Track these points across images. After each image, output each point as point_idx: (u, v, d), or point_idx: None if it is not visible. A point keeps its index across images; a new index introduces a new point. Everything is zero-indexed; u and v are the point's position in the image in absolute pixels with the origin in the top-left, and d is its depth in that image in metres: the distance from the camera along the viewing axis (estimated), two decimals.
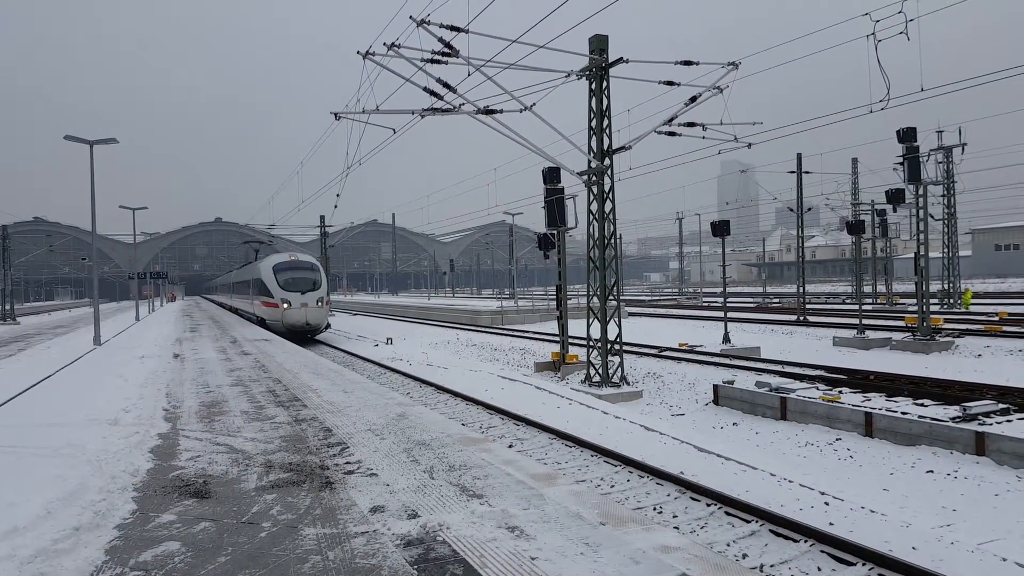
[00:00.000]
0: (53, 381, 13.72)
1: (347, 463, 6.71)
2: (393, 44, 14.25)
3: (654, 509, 7.97)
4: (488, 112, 15.88)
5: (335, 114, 15.78)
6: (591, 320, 17.43)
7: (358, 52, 14.73)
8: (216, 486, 6.06)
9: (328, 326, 32.08)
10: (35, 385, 13.10)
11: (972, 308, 36.38)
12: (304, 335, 29.96)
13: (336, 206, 24.39)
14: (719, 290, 65.23)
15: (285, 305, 29.10)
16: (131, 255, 62.43)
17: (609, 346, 16.75)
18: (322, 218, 53.31)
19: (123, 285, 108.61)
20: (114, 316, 50.68)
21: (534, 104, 15.93)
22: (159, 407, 10.22)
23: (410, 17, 14.00)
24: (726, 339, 23.18)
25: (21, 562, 4.48)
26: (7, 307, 49.48)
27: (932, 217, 30.85)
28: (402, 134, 17.09)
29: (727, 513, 7.65)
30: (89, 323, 36.44)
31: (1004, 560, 6.25)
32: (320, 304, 29.79)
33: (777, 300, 53.14)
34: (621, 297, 18.15)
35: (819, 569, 6.30)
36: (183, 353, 18.52)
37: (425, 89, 15.30)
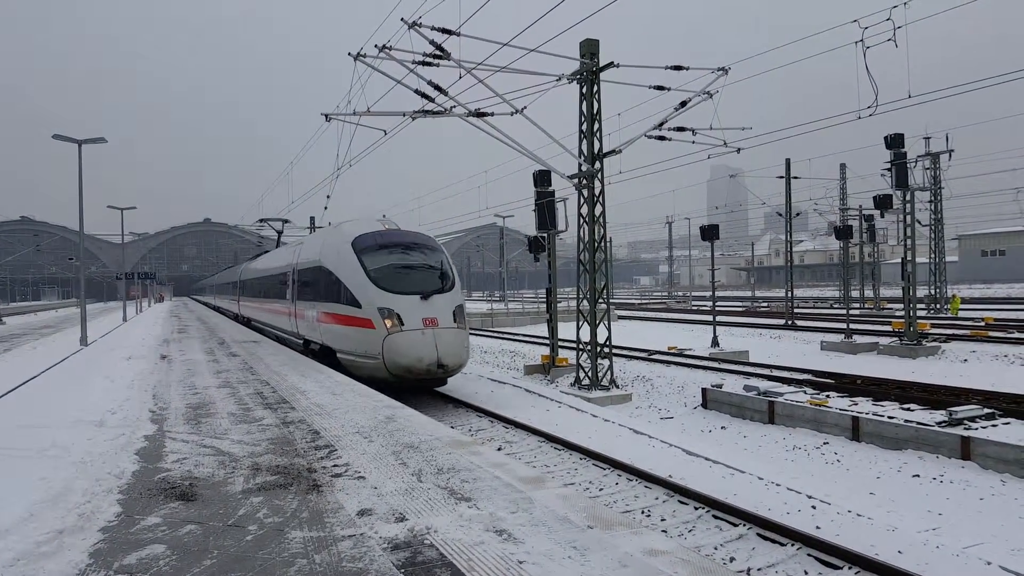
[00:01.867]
0: (39, 382, 13.58)
1: (335, 466, 6.68)
2: (384, 46, 14.22)
3: (642, 512, 7.99)
4: (479, 115, 15.88)
5: (326, 115, 15.73)
6: (581, 323, 17.45)
7: (349, 54, 14.70)
8: (202, 488, 6.02)
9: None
10: (20, 386, 12.96)
11: (959, 313, 36.68)
12: (425, 385, 14.73)
13: (326, 207, 24.22)
14: (708, 294, 65.39)
15: (389, 323, 13.65)
16: (119, 255, 61.97)
17: (599, 349, 16.77)
18: (312, 219, 53.11)
19: (111, 285, 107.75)
20: (101, 317, 50.28)
21: (525, 107, 15.95)
22: (146, 408, 10.14)
23: (401, 19, 13.99)
24: (715, 343, 23.29)
25: (3, 565, 4.43)
26: None
27: (919, 223, 31.09)
28: (393, 136, 17.06)
29: (715, 516, 7.67)
30: (75, 323, 36.13)
31: (989, 564, 6.30)
32: (457, 321, 14.26)
33: (766, 304, 53.38)
34: (611, 300, 18.11)
35: (806, 573, 6.33)
36: (171, 354, 18.38)
37: (416, 91, 15.27)
